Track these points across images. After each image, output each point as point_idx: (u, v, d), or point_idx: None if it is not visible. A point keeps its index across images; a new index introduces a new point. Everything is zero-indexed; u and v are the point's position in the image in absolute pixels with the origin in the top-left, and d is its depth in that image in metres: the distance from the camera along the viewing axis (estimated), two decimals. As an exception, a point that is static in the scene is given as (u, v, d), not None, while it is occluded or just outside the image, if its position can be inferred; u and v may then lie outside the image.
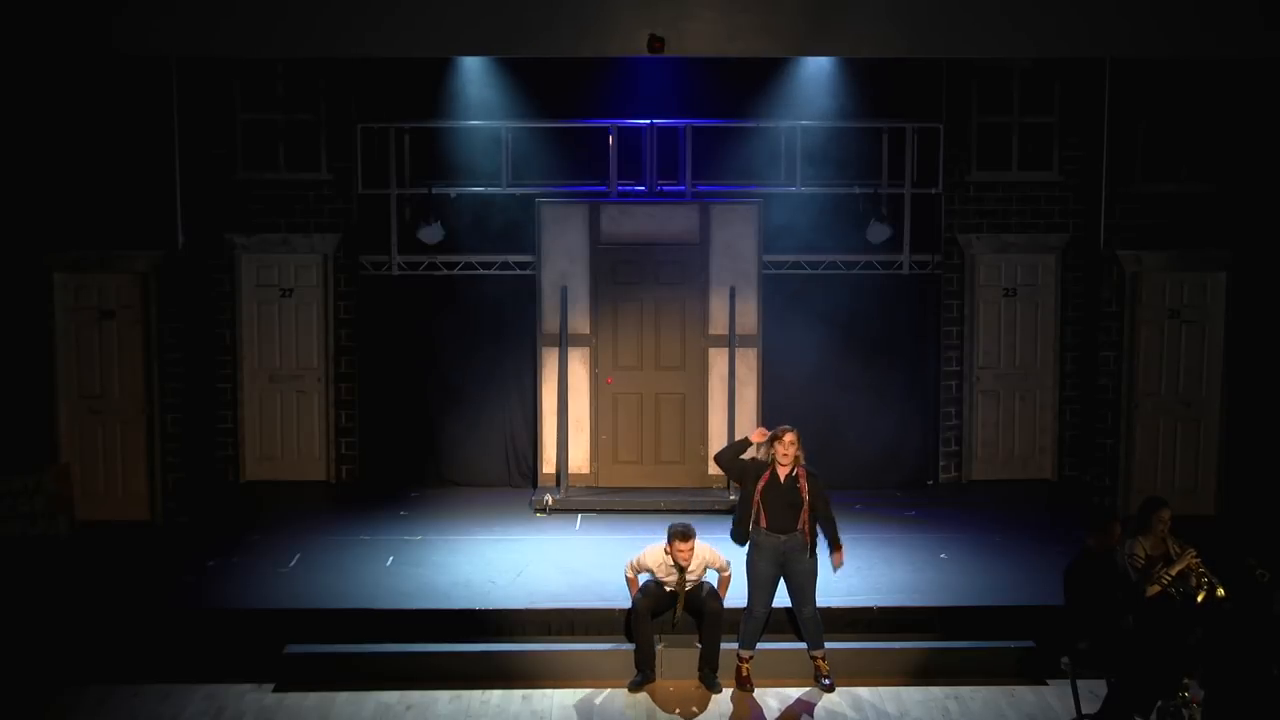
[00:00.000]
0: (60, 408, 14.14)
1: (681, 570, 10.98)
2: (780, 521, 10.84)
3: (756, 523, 10.88)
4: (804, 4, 12.13)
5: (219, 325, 15.33)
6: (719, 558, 11.17)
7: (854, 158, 15.12)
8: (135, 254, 14.00)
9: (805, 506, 10.84)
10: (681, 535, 10.94)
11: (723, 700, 10.96)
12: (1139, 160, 14.22)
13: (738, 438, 11.87)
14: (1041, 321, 15.56)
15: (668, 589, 11.08)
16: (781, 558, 10.89)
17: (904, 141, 14.90)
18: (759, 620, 11.08)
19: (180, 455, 14.22)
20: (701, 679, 11.14)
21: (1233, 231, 14.25)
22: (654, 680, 11.13)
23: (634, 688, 11.07)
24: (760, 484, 10.85)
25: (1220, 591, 9.96)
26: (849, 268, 15.10)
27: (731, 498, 14.24)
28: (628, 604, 11.56)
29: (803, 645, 11.25)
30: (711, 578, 11.27)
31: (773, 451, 10.89)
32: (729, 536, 11.11)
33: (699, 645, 11.20)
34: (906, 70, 14.97)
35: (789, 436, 10.88)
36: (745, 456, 11.16)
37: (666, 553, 10.99)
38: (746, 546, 11.02)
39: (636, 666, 11.14)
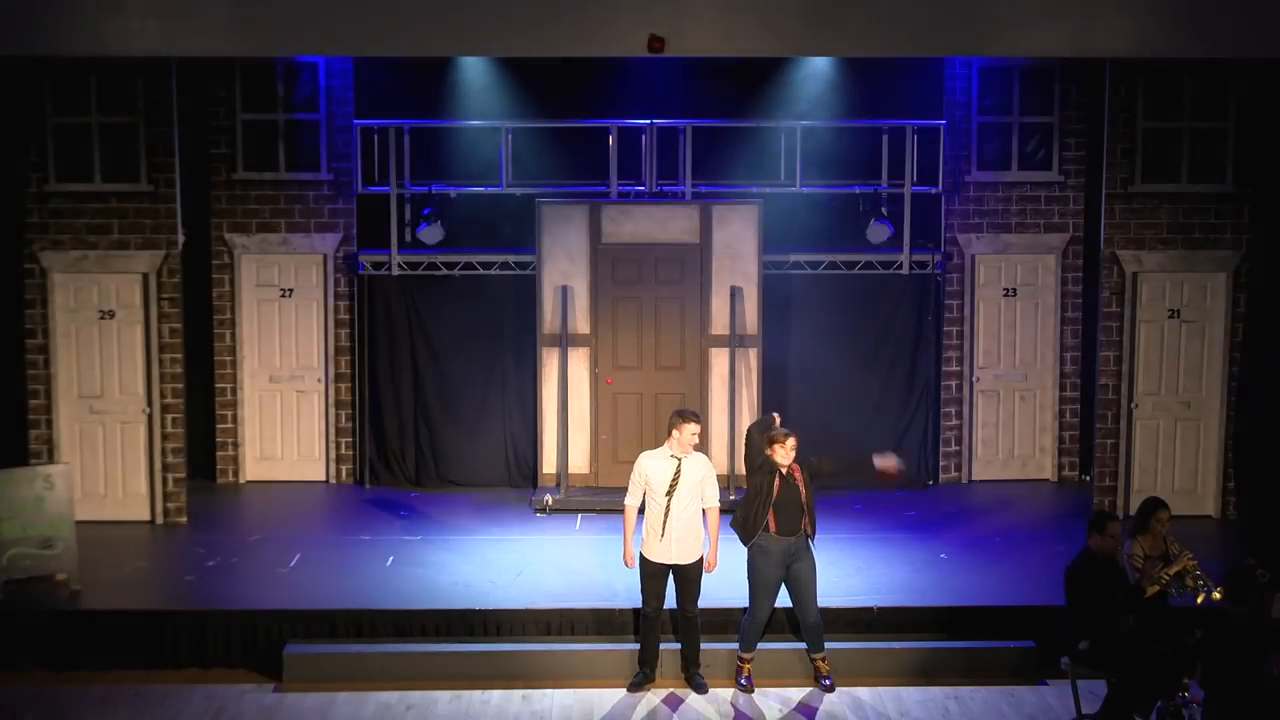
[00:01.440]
0: (60, 408, 14.13)
1: (678, 466, 10.82)
2: (789, 524, 10.85)
3: (765, 528, 10.87)
4: (804, 3, 12.14)
5: (219, 325, 15.36)
6: (713, 476, 11.01)
7: (854, 158, 15.15)
8: (135, 254, 13.99)
9: (803, 494, 10.88)
10: (694, 416, 10.89)
11: (723, 700, 10.95)
12: (1139, 160, 14.23)
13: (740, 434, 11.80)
14: (1041, 321, 15.59)
15: (661, 497, 10.85)
16: (787, 559, 10.90)
17: (904, 141, 14.92)
18: (760, 624, 11.07)
19: (180, 455, 14.21)
20: (687, 679, 11.15)
21: (1233, 231, 14.24)
22: (654, 680, 11.13)
23: (634, 687, 11.07)
24: (776, 487, 10.83)
25: (1217, 594, 9.97)
26: (849, 268, 15.12)
27: (731, 497, 14.24)
28: (628, 604, 11.58)
29: (802, 645, 11.26)
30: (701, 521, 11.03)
31: (772, 453, 10.87)
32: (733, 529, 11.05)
33: (680, 647, 11.21)
34: (906, 70, 14.99)
35: (791, 441, 10.86)
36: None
37: (675, 434, 10.83)
38: (747, 551, 10.99)
39: (640, 664, 11.14)
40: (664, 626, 11.29)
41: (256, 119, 15.20)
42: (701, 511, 10.94)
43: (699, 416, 11.04)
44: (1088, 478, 15.29)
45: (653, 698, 10.98)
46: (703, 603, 11.11)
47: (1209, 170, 14.29)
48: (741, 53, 12.82)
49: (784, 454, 10.82)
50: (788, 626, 11.45)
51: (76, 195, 13.96)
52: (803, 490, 10.86)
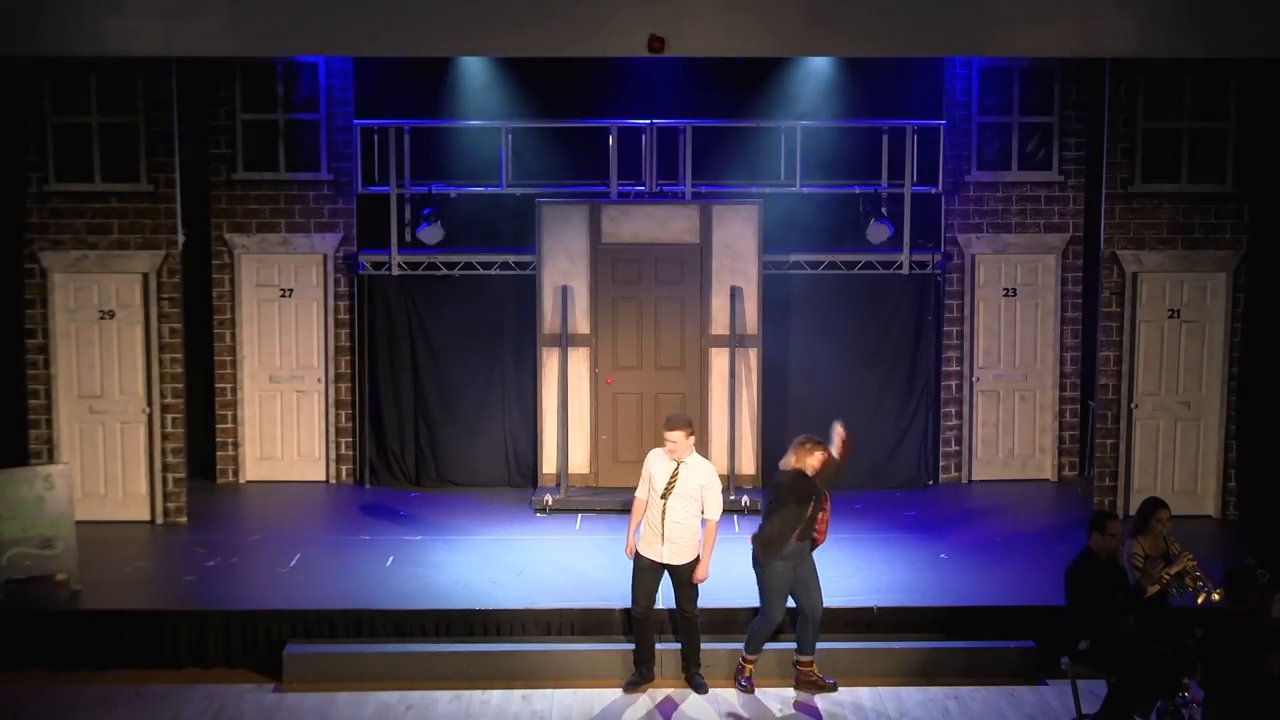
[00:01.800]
0: (60, 408, 14.13)
1: (676, 469, 10.80)
2: (806, 532, 10.92)
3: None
4: (804, 3, 12.14)
5: (219, 325, 15.36)
6: (716, 487, 10.89)
7: (854, 158, 15.15)
8: (135, 254, 14.00)
9: (828, 508, 10.98)
10: (668, 424, 10.92)
11: (723, 700, 10.95)
12: (1139, 160, 14.23)
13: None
14: (1041, 321, 15.59)
15: (660, 496, 10.83)
16: (796, 561, 10.93)
17: (904, 141, 14.92)
18: (773, 628, 11.03)
19: (180, 455, 14.21)
20: (687, 679, 11.14)
21: (1233, 232, 14.25)
22: (652, 679, 11.13)
23: (629, 687, 11.06)
24: (824, 506, 10.86)
25: (1216, 595, 9.99)
26: (849, 268, 15.11)
27: (731, 497, 14.25)
28: (628, 604, 11.55)
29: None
30: (692, 505, 10.86)
31: (814, 464, 10.85)
32: (752, 551, 10.90)
33: (680, 647, 11.19)
34: (906, 70, 14.99)
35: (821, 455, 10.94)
36: (788, 467, 10.99)
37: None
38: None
39: (635, 664, 11.14)
40: (663, 626, 11.31)
41: (256, 119, 15.20)
42: (700, 519, 10.91)
43: (679, 424, 10.93)
44: (1085, 477, 15.31)
45: (653, 697, 10.98)
46: (705, 603, 11.11)
47: (1209, 170, 14.29)
48: (742, 52, 12.81)
49: (816, 463, 10.86)
50: (788, 626, 11.42)
51: (76, 195, 13.96)
52: (827, 506, 10.95)
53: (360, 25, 12.13)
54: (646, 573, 10.94)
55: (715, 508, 10.91)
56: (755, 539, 10.94)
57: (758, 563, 10.95)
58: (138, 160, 13.94)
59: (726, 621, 11.56)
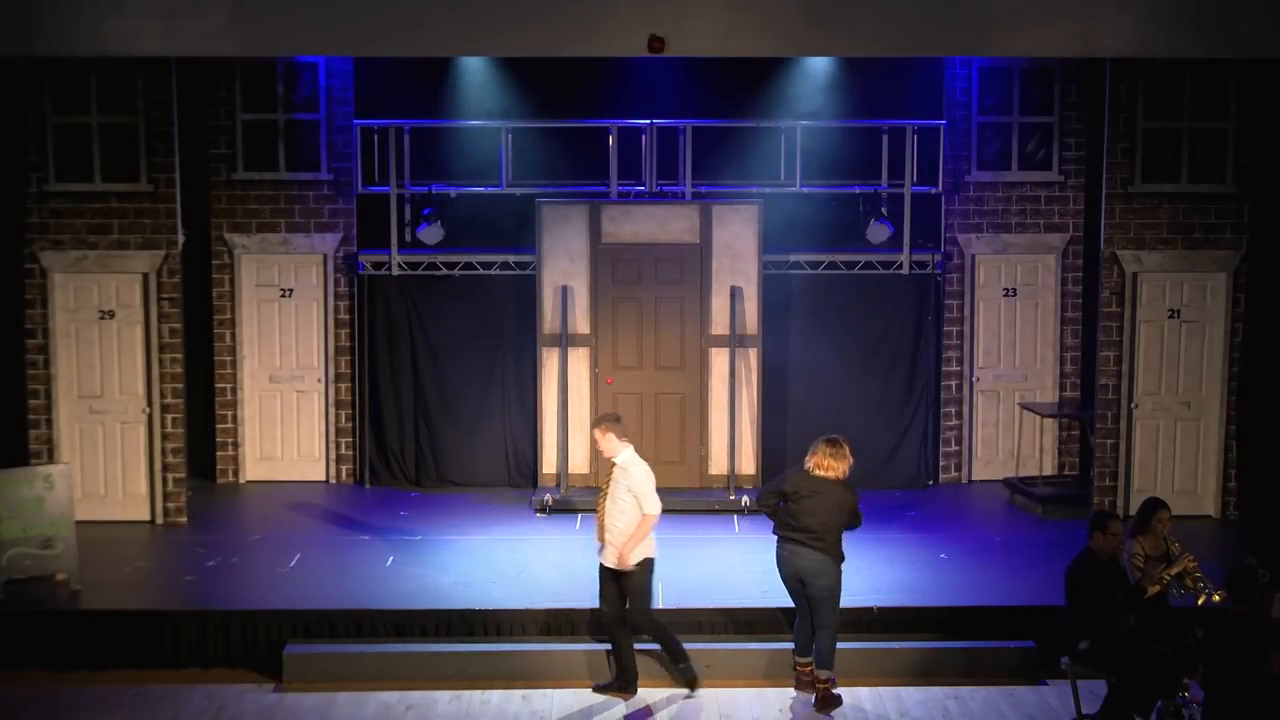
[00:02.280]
0: (60, 408, 14.13)
1: (611, 470, 10.75)
2: None
3: None
4: (804, 3, 12.14)
5: (219, 325, 15.36)
6: (643, 487, 10.57)
7: (854, 158, 15.16)
8: (135, 254, 14.00)
9: None
10: (595, 421, 10.98)
11: (723, 700, 10.93)
12: (1139, 160, 14.23)
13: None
14: (1041, 321, 15.60)
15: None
16: None
17: (904, 141, 14.92)
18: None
19: (180, 455, 14.21)
20: (683, 675, 11.03)
21: (1233, 232, 14.25)
22: (629, 691, 10.91)
23: (598, 688, 11.01)
24: None
25: (1217, 597, 9.99)
26: (849, 268, 15.12)
27: (731, 497, 14.27)
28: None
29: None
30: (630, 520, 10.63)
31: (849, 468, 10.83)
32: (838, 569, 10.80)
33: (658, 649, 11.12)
34: (906, 70, 14.99)
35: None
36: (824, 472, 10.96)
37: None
38: (838, 570, 10.84)
39: (616, 671, 11.07)
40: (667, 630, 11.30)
41: (256, 119, 15.21)
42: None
43: (597, 422, 10.98)
44: (1088, 478, 15.32)
45: (651, 696, 10.96)
46: (713, 603, 11.09)
47: (1209, 170, 14.29)
48: (742, 52, 12.82)
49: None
50: (786, 626, 11.43)
51: (76, 195, 13.97)
52: None
53: (360, 25, 12.15)
54: (602, 579, 10.90)
55: (648, 504, 10.60)
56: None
57: (839, 577, 10.77)
58: (138, 160, 13.95)
59: (729, 621, 11.57)
